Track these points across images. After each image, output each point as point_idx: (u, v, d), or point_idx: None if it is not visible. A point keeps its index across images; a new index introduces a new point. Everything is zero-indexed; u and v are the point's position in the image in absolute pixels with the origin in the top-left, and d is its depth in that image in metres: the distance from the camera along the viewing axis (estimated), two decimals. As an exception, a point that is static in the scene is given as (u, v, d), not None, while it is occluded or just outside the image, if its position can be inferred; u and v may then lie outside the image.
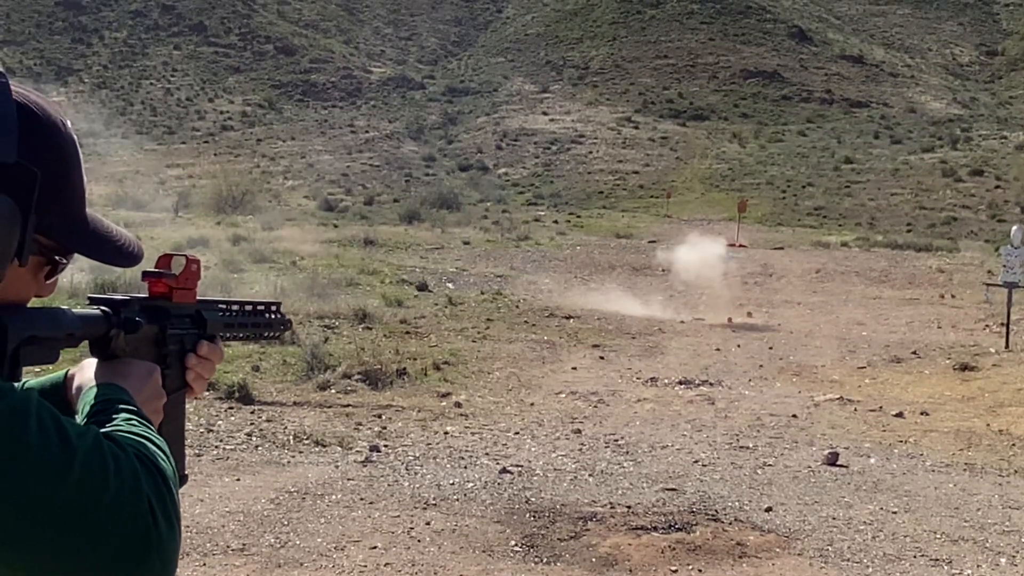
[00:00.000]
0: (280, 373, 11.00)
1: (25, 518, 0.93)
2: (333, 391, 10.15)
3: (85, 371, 1.29)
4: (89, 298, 1.32)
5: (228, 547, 5.37)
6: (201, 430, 8.27)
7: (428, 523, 5.96)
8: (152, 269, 1.40)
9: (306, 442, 8.04)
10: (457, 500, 6.47)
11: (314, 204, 43.30)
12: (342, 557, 5.32)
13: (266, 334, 1.66)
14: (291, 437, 8.17)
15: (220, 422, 8.65)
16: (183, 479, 1.44)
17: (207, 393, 9.75)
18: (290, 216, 34.74)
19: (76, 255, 1.22)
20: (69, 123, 1.20)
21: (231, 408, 9.26)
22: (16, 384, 1.14)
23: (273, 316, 1.66)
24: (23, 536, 0.94)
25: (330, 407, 9.61)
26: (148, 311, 1.35)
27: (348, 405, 9.66)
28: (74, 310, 1.25)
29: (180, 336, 1.41)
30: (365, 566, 5.21)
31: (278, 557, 5.27)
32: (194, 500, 6.15)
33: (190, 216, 33.15)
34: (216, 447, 7.68)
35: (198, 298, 1.47)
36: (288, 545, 5.45)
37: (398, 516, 6.05)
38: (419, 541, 5.64)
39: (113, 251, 1.23)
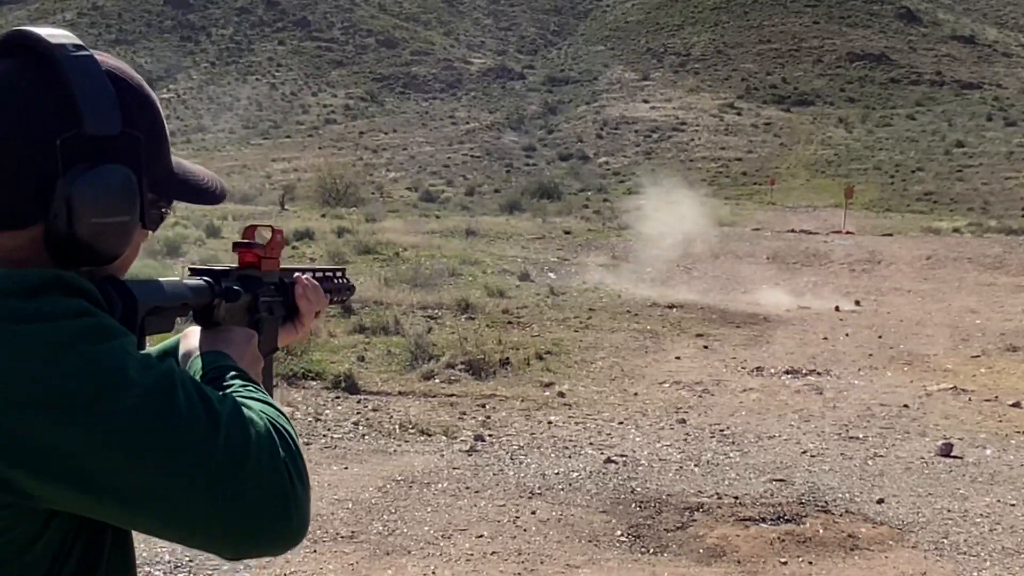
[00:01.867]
0: (385, 363, 11.13)
1: (176, 483, 0.98)
2: (437, 381, 10.24)
3: (190, 339, 1.34)
4: (191, 269, 1.37)
5: (338, 534, 5.45)
6: (309, 419, 8.42)
7: (533, 512, 5.97)
8: (243, 240, 1.47)
9: (411, 431, 8.13)
10: (562, 489, 6.47)
11: (416, 195, 43.75)
12: (449, 545, 5.37)
13: (335, 298, 1.72)
14: (397, 426, 8.27)
15: (328, 411, 8.80)
16: None
17: (314, 382, 9.94)
18: (392, 208, 35.17)
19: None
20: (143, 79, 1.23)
21: (338, 397, 9.41)
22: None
23: (340, 281, 1.74)
24: (175, 498, 0.98)
25: (434, 397, 9.69)
26: (242, 280, 1.40)
27: (452, 395, 9.74)
28: (184, 280, 1.31)
29: (269, 303, 1.46)
30: (472, 554, 5.25)
31: (386, 545, 5.34)
32: (304, 487, 6.26)
33: (296, 209, 33.76)
34: (324, 436, 7.81)
35: (285, 267, 1.55)
36: (396, 533, 5.52)
37: (503, 505, 6.08)
38: (525, 530, 5.66)
39: (203, 192, 1.27)
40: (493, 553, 5.26)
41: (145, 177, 1.11)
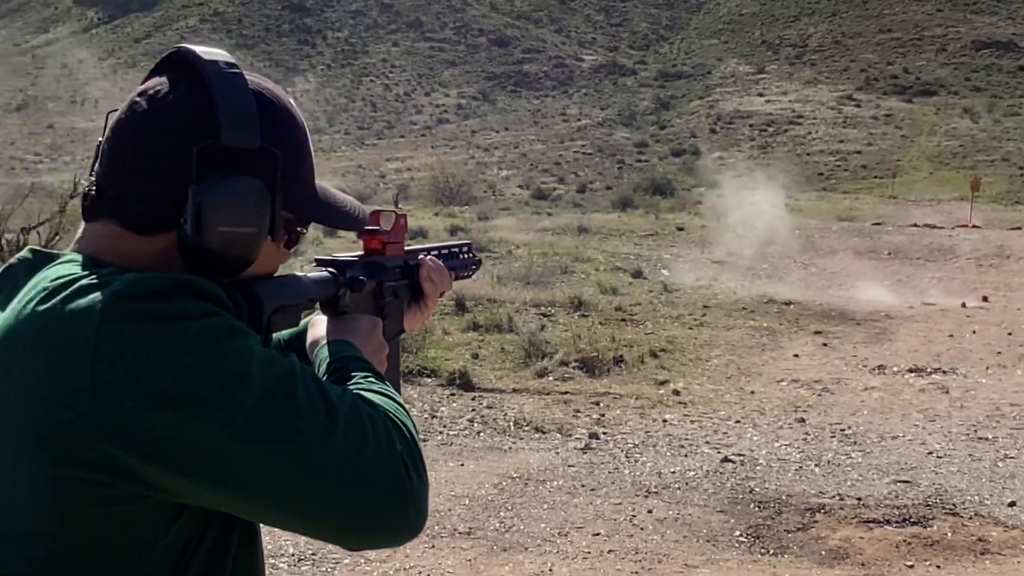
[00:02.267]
0: (499, 360, 11.19)
1: (297, 476, 1.01)
2: (551, 378, 10.25)
3: (317, 327, 1.37)
4: (316, 260, 1.39)
5: (455, 530, 5.50)
6: (425, 415, 8.52)
7: (650, 511, 5.92)
8: (368, 227, 1.47)
9: (526, 428, 8.15)
10: (679, 488, 6.40)
11: (527, 193, 43.84)
12: (565, 543, 5.36)
13: (462, 274, 1.74)
14: (511, 423, 8.30)
15: (443, 408, 8.88)
16: None
17: (429, 379, 10.04)
18: (505, 206, 35.32)
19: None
20: (293, 102, 1.27)
21: (453, 395, 9.50)
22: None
23: (466, 256, 1.75)
24: (295, 492, 1.01)
25: (548, 394, 9.70)
26: (367, 267, 1.42)
27: (566, 392, 9.73)
28: (308, 275, 1.33)
29: (394, 287, 1.48)
30: (589, 552, 5.24)
31: (503, 541, 5.36)
32: (421, 483, 6.33)
33: (410, 207, 34.17)
34: (440, 432, 7.89)
35: (409, 248, 1.57)
36: (512, 530, 5.54)
37: (620, 503, 6.05)
38: (642, 529, 5.62)
39: (343, 217, 1.30)
40: (610, 551, 5.24)
41: (280, 194, 1.14)
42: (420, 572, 4.91)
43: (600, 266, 18.69)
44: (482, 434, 7.91)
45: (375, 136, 69.50)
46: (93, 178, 1.15)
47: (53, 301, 1.01)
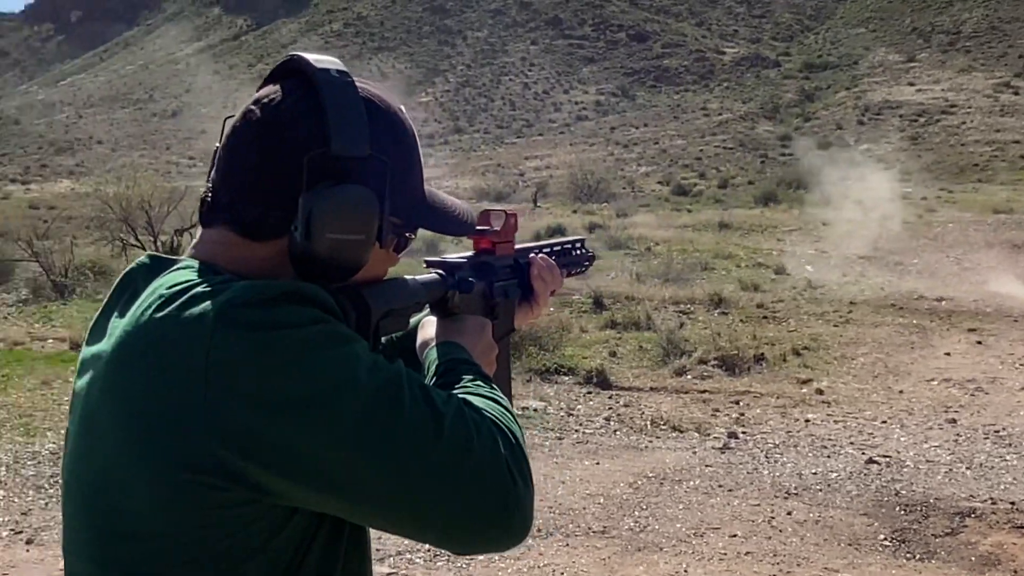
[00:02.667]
0: (636, 358, 11.11)
1: (402, 480, 1.02)
2: (689, 377, 10.12)
3: (427, 329, 1.38)
4: (426, 262, 1.39)
5: (590, 529, 5.48)
6: (562, 413, 8.51)
7: (789, 513, 5.78)
8: (478, 227, 1.48)
9: (663, 427, 8.07)
10: (820, 490, 6.23)
11: (667, 189, 43.41)
12: (701, 543, 5.28)
13: (574, 271, 1.73)
14: (648, 422, 8.23)
15: (580, 406, 8.87)
16: None
17: (566, 377, 10.03)
18: (644, 202, 35.07)
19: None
20: (403, 108, 1.26)
21: (590, 393, 9.47)
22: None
23: (579, 252, 1.75)
24: (400, 495, 1.03)
25: (686, 393, 9.58)
26: (476, 268, 1.43)
27: (704, 391, 9.59)
28: (416, 278, 1.34)
29: (504, 287, 1.48)
30: (725, 553, 5.14)
31: (638, 541, 5.31)
32: (556, 482, 6.33)
33: (548, 205, 34.25)
34: (576, 431, 7.87)
35: (520, 246, 1.58)
36: (647, 529, 5.49)
37: (758, 504, 5.92)
38: (780, 531, 5.49)
39: (451, 222, 1.30)
40: (747, 553, 5.14)
41: (389, 201, 1.15)
42: (554, 570, 4.91)
43: (741, 262, 18.38)
44: (618, 432, 7.86)
45: (514, 135, 69.92)
46: (209, 184, 1.18)
47: (169, 308, 1.04)
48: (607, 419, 8.36)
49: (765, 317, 12.92)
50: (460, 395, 1.15)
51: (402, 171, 1.19)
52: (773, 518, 5.68)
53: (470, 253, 1.48)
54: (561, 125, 72.51)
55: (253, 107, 1.17)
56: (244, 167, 1.15)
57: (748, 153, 57.76)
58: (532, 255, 1.57)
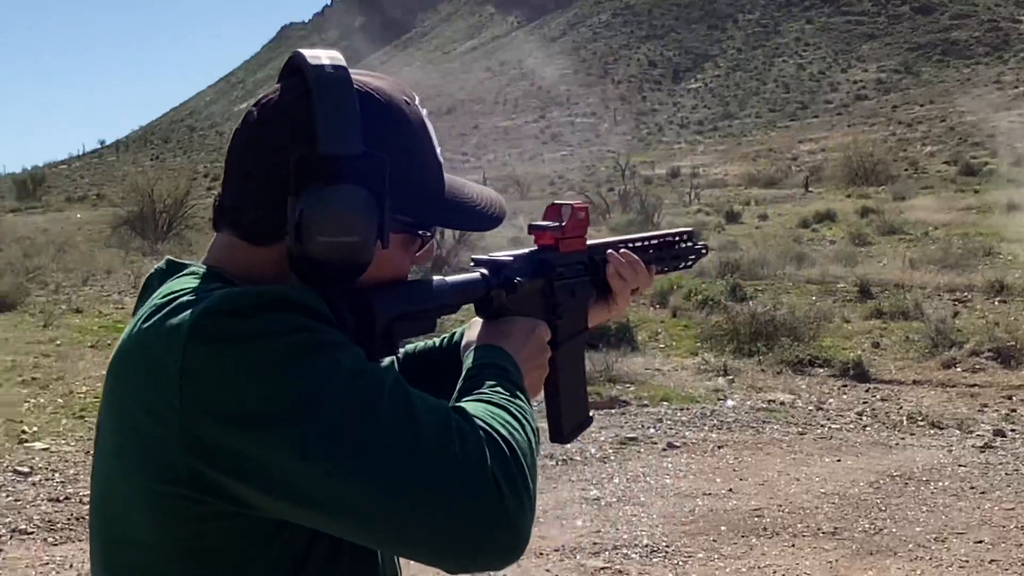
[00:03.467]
0: (902, 350, 10.52)
1: (374, 494, 0.97)
2: (958, 369, 9.47)
3: (471, 331, 1.32)
4: (472, 259, 1.33)
5: (819, 529, 5.21)
6: (810, 408, 8.17)
7: (1050, 521, 5.28)
8: (538, 222, 1.40)
9: (920, 423, 7.58)
10: (1090, 498, 5.65)
11: (954, 169, 40.85)
12: (941, 549, 4.91)
13: (675, 266, 1.65)
14: (904, 418, 7.75)
15: (831, 400, 8.47)
16: (587, 420, 1.49)
17: (821, 369, 9.62)
18: (926, 184, 33.15)
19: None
20: (416, 99, 1.19)
21: (844, 386, 9.04)
22: (393, 356, 1.22)
23: (685, 245, 1.65)
24: (376, 511, 0.98)
25: (953, 386, 8.97)
26: (531, 265, 1.34)
27: (974, 385, 8.95)
28: (449, 278, 1.26)
29: (571, 285, 1.39)
30: (967, 560, 4.75)
31: (871, 544, 5.00)
32: (790, 479, 6.07)
33: (820, 190, 33.03)
34: (822, 426, 7.52)
35: (600, 241, 1.49)
36: (883, 532, 5.15)
37: (1012, 509, 5.44)
38: (1036, 540, 5.02)
39: (472, 217, 1.22)
40: (992, 561, 4.72)
41: (391, 199, 1.09)
42: (775, 571, 4.69)
43: (1031, 246, 17.02)
44: (868, 428, 7.44)
45: (787, 118, 67.86)
46: (221, 189, 1.17)
47: (155, 318, 1.04)
48: (859, 414, 7.94)
49: (1050, 305, 11.91)
50: (463, 403, 1.09)
51: (407, 167, 1.13)
52: (1029, 525, 5.21)
53: (527, 250, 1.39)
54: (838, 106, 69.77)
55: (253, 109, 1.14)
56: (240, 170, 1.12)
57: (1047, 128, 53.46)
58: (610, 251, 1.47)
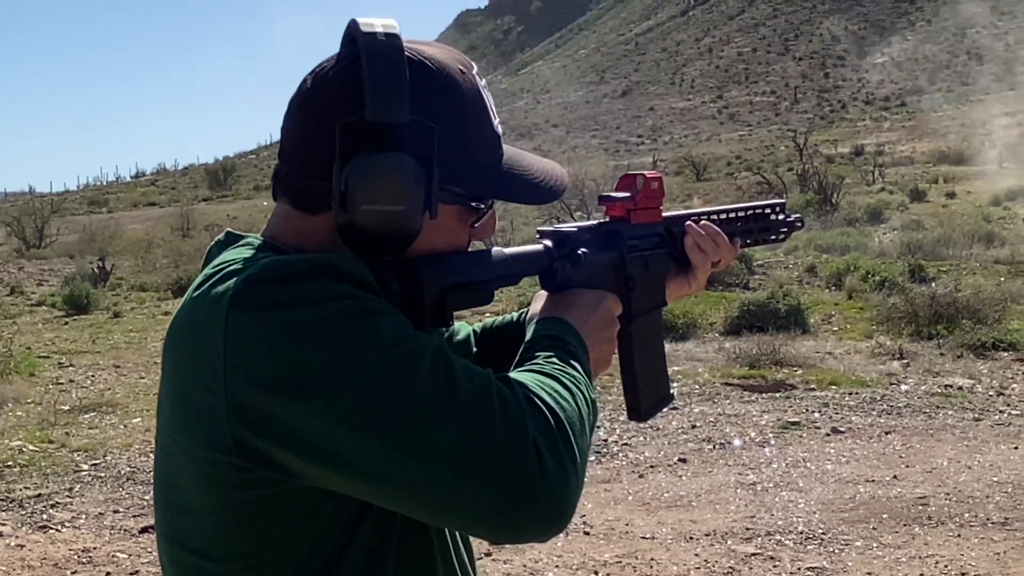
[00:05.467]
0: (1103, 332, 9.86)
1: (415, 462, 0.97)
2: None
3: (535, 304, 1.29)
4: (538, 231, 1.30)
5: (988, 519, 4.94)
6: (991, 393, 7.77)
7: None
8: (608, 193, 1.36)
9: (1114, 410, 7.10)
10: None
11: None
12: (1124, 546, 4.58)
13: (764, 238, 1.57)
14: (1094, 404, 7.28)
15: (1014, 385, 8.03)
16: (667, 398, 1.45)
17: (1005, 353, 9.13)
18: None
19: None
20: (474, 68, 1.17)
21: (1038, 370, 8.56)
22: (448, 327, 1.22)
23: (777, 217, 1.58)
24: (415, 479, 0.97)
25: None
26: (599, 238, 1.30)
27: None
28: (508, 249, 1.24)
29: (645, 257, 1.35)
30: None
31: (1045, 537, 4.72)
32: (960, 467, 5.78)
33: (1015, 167, 31.30)
34: (1000, 412, 7.14)
35: (681, 212, 1.43)
36: (1059, 525, 4.85)
37: None
38: None
39: (527, 189, 1.18)
40: None
41: (441, 168, 1.08)
42: (938, 562, 4.48)
43: None
44: (1052, 415, 7.02)
45: (981, 92, 64.46)
46: (278, 158, 1.17)
47: (203, 288, 1.05)
48: (1046, 400, 7.50)
49: None
50: (513, 373, 1.07)
51: (459, 137, 1.11)
52: None
53: (596, 222, 1.35)
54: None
55: (308, 77, 1.14)
56: (292, 138, 1.13)
57: None
58: (689, 223, 1.42)
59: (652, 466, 6.08)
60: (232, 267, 1.06)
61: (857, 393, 7.72)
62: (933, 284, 12.53)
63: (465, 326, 1.48)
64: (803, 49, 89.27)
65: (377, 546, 1.08)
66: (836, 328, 11.21)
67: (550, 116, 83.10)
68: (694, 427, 6.87)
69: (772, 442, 6.48)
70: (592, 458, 6.28)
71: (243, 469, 1.01)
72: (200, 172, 66.46)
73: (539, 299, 1.30)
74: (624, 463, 6.17)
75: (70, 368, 9.90)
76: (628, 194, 1.35)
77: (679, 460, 6.16)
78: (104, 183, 73.36)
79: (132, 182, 73.41)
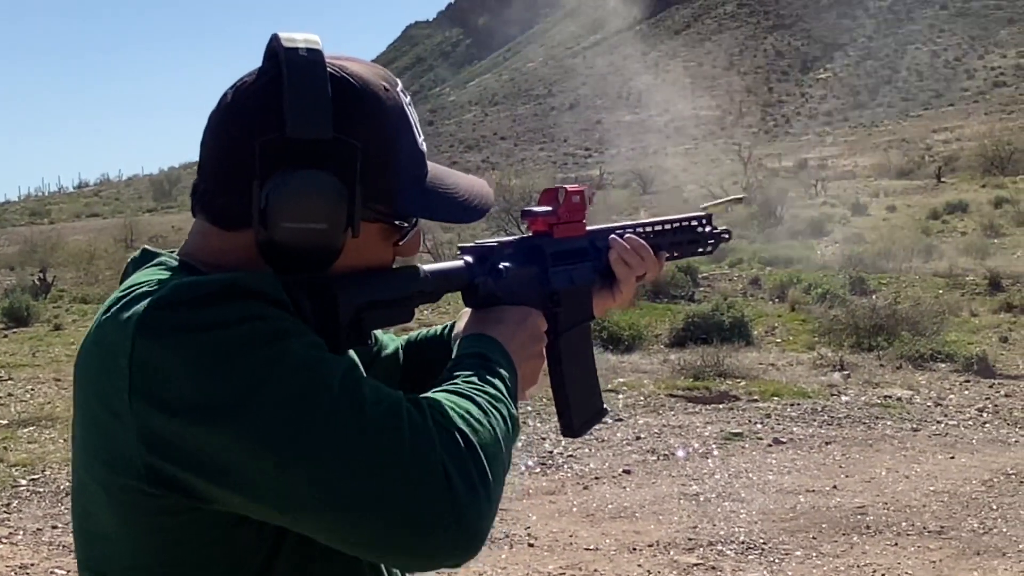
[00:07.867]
0: (1032, 344, 10.11)
1: (316, 484, 0.95)
2: (1093, 363, 9.05)
3: (460, 321, 1.29)
4: (459, 247, 1.29)
5: (925, 528, 5.04)
6: (928, 403, 7.91)
7: None
8: (530, 208, 1.35)
9: (1045, 420, 7.27)
10: None
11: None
12: (1055, 552, 4.70)
13: (688, 251, 1.56)
14: (1027, 415, 7.45)
15: (951, 396, 8.19)
16: (600, 413, 1.43)
17: (943, 365, 9.30)
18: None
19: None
20: (398, 85, 1.16)
21: (967, 382, 8.73)
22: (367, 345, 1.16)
23: (703, 230, 1.58)
24: (322, 505, 0.96)
25: (1085, 382, 8.57)
26: (522, 252, 1.29)
27: (1111, 380, 8.54)
28: (429, 266, 1.22)
29: (569, 271, 1.34)
30: (1082, 566, 4.54)
31: (978, 544, 4.81)
32: (899, 476, 5.89)
33: (953, 181, 31.91)
34: (938, 422, 7.28)
35: (606, 226, 1.42)
36: (992, 532, 4.96)
37: None
38: None
39: (451, 208, 1.17)
40: (1108, 567, 4.50)
41: (364, 187, 1.06)
42: (876, 570, 4.55)
43: None
44: (987, 425, 7.17)
45: (920, 107, 65.67)
46: (197, 173, 1.15)
47: (112, 311, 1.03)
48: (980, 410, 7.66)
49: None
50: (429, 394, 1.06)
51: (383, 154, 1.10)
52: None
53: (518, 236, 1.33)
54: (975, 93, 67.23)
55: (228, 91, 1.12)
56: (211, 154, 1.11)
57: None
58: (613, 236, 1.41)
59: (597, 478, 6.11)
60: (141, 289, 1.03)
61: (798, 404, 7.82)
62: (874, 296, 12.74)
63: (394, 339, 1.46)
64: (748, 64, 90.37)
65: (301, 567, 1.07)
66: (779, 340, 11.36)
67: (498, 128, 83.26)
68: (639, 438, 6.92)
69: (715, 453, 6.55)
70: (537, 470, 6.33)
71: (155, 495, 0.99)
72: (145, 183, 65.71)
73: (464, 316, 1.29)
74: (569, 475, 6.20)
75: (9, 382, 9.72)
76: (550, 208, 1.34)
77: (623, 471, 6.20)
78: (46, 193, 72.24)
79: (75, 192, 72.40)
